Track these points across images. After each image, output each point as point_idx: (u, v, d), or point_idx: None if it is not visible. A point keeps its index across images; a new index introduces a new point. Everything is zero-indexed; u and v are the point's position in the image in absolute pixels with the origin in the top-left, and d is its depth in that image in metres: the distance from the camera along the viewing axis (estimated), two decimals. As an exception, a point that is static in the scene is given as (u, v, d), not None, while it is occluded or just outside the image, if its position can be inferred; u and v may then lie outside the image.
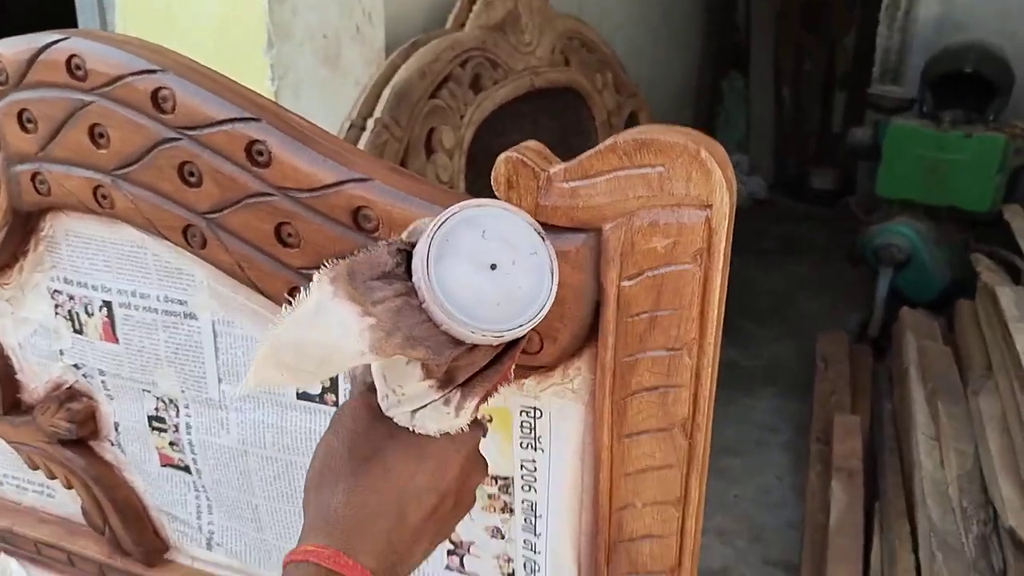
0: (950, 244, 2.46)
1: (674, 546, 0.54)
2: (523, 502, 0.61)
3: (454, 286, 0.39)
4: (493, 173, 0.51)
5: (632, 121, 2.60)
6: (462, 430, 0.44)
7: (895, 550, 1.56)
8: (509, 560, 0.63)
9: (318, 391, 0.64)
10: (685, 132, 0.46)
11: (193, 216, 0.61)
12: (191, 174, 0.59)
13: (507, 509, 0.61)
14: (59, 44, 0.61)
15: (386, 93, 1.40)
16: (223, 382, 0.68)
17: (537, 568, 0.61)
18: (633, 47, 2.86)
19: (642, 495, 0.54)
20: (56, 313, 0.73)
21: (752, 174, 4.58)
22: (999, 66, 2.45)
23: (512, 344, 0.43)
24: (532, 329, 0.43)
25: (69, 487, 0.79)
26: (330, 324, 0.38)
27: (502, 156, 0.50)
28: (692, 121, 4.64)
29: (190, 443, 0.72)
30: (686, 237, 0.47)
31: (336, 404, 0.64)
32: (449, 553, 0.65)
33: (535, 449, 0.59)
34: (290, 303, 0.59)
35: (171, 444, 0.73)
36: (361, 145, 1.32)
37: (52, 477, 0.79)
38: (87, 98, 0.61)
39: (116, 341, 0.71)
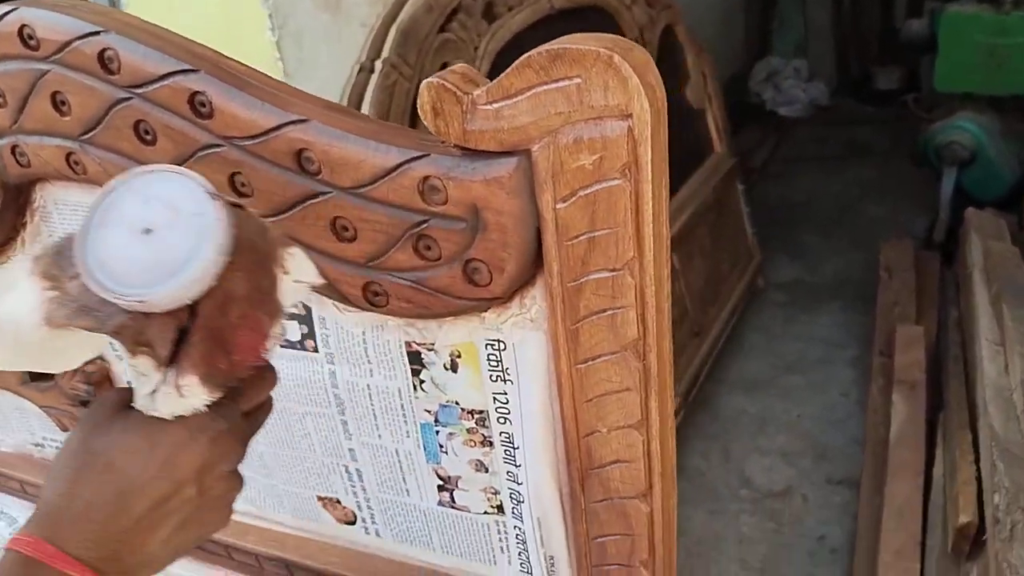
0: (1017, 136, 2.28)
1: (642, 469, 0.53)
2: (501, 435, 0.61)
3: (106, 253, 0.39)
4: (418, 102, 0.49)
5: (668, 36, 2.49)
6: (198, 412, 0.43)
7: (956, 461, 1.51)
8: (496, 492, 0.64)
9: (298, 338, 0.65)
10: (599, 38, 0.44)
11: (154, 174, 0.61)
12: (146, 132, 0.60)
13: (487, 442, 0.62)
14: (8, 16, 0.62)
15: (392, 32, 1.38)
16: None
17: (521, 498, 0.62)
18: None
19: (606, 420, 0.53)
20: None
21: (812, 79, 4.35)
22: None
23: (194, 312, 0.41)
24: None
25: None
26: (16, 299, 0.39)
27: (424, 82, 0.48)
28: (744, 29, 4.43)
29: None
30: (611, 151, 0.45)
31: (315, 349, 0.65)
32: (440, 489, 0.66)
33: (504, 381, 0.58)
34: None
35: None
36: (371, 88, 1.31)
37: (81, 433, 0.84)
38: (43, 67, 0.62)
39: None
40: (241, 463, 0.47)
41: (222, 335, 0.41)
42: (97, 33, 0.58)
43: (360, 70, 1.34)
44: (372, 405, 0.65)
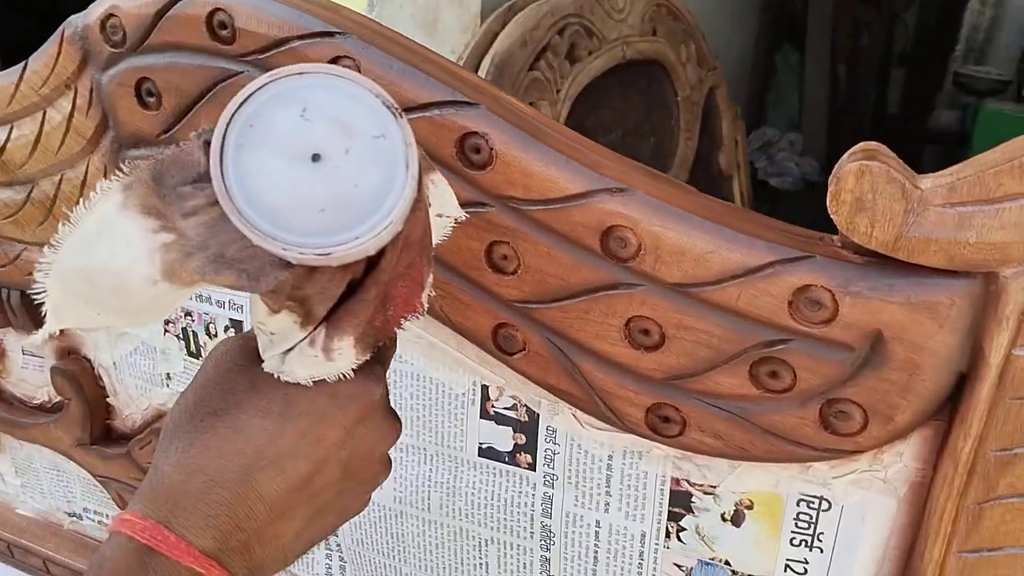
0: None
1: None
2: (779, 608, 0.47)
3: (260, 187, 0.28)
4: (833, 189, 0.36)
5: (711, 97, 2.43)
6: (343, 378, 0.34)
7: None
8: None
9: (508, 448, 0.51)
10: None
11: (370, 226, 0.47)
12: (373, 172, 0.45)
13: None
14: (198, -6, 0.47)
15: (486, 63, 1.25)
16: (381, 428, 0.55)
17: None
18: (701, 17, 2.68)
19: (985, 628, 0.40)
20: (166, 331, 0.60)
21: (805, 154, 4.39)
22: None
23: (376, 261, 0.31)
24: (420, 247, 0.32)
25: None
26: (116, 245, 0.28)
27: (850, 166, 0.36)
28: (746, 98, 4.45)
29: (330, 495, 0.59)
30: None
31: (532, 466, 0.51)
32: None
33: (810, 548, 0.45)
34: (500, 349, 0.47)
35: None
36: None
37: (151, 519, 0.67)
38: (234, 67, 0.47)
39: (245, 370, 0.58)
40: (395, 443, 0.38)
41: (389, 288, 0.32)
42: (330, 35, 0.44)
43: (450, 101, 1.20)
44: (596, 546, 0.51)
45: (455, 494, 0.54)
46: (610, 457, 0.48)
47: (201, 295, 0.57)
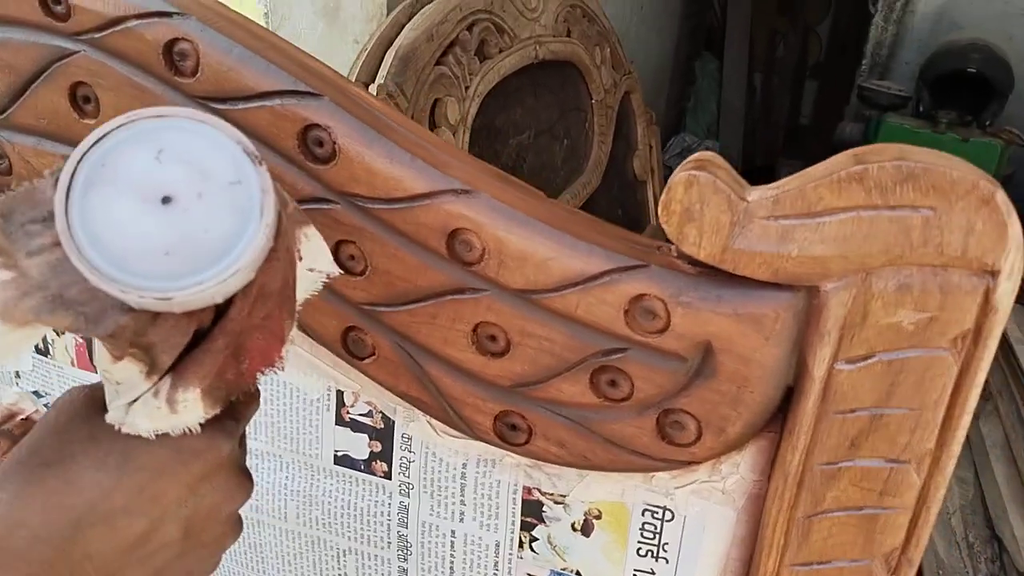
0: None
1: None
2: (627, 617, 0.47)
3: (105, 227, 0.28)
4: (664, 198, 0.36)
5: (626, 101, 2.46)
6: (188, 432, 0.32)
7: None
8: None
9: (364, 456, 0.50)
10: (965, 164, 0.33)
11: (213, 220, 0.45)
12: (215, 164, 0.43)
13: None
14: (31, -33, 0.43)
15: (390, 55, 1.22)
16: (232, 431, 0.52)
17: None
18: (618, 22, 2.71)
19: (813, 637, 0.41)
20: (7, 324, 0.56)
21: (722, 162, 4.50)
22: (1002, 68, 2.39)
23: (224, 311, 0.31)
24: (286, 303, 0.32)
25: None
26: None
27: (680, 176, 0.36)
28: (665, 104, 4.53)
29: (180, 501, 0.56)
30: (949, 312, 0.34)
31: (387, 475, 0.49)
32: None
33: (656, 558, 0.45)
34: (350, 353, 0.45)
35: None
36: (360, 115, 1.15)
37: None
38: (69, 45, 0.44)
39: (94, 370, 0.54)
40: (244, 504, 0.36)
41: (241, 339, 0.31)
42: (168, 15, 0.42)
43: (349, 92, 1.17)
44: (452, 556, 0.50)
45: (312, 503, 0.52)
46: (464, 466, 0.47)
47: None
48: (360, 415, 0.49)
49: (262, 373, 0.33)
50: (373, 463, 0.49)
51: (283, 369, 0.33)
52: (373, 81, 1.23)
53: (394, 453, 0.49)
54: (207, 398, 0.31)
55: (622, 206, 2.38)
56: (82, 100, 0.45)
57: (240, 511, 0.36)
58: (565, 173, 1.96)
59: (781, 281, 0.36)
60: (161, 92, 0.43)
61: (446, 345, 0.42)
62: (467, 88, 1.45)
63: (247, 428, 0.37)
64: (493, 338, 0.41)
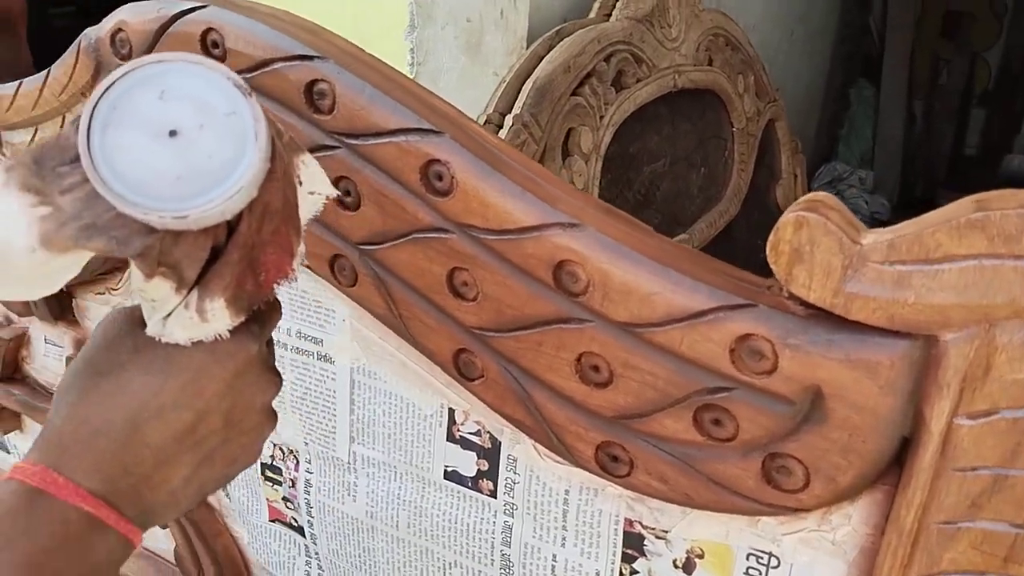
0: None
1: None
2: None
3: (124, 160, 0.32)
4: (772, 238, 0.36)
5: (769, 130, 2.39)
6: (220, 338, 0.36)
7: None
8: None
9: (471, 474, 0.51)
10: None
11: (344, 245, 0.48)
12: (347, 193, 0.47)
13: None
14: (193, 15, 0.49)
15: (527, 87, 1.26)
16: (355, 442, 0.56)
17: None
18: (767, 48, 2.65)
19: None
20: (166, 331, 0.62)
21: (875, 192, 4.27)
22: None
23: (235, 227, 0.34)
24: (295, 221, 0.36)
25: (164, 526, 0.68)
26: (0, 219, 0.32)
27: (789, 216, 0.35)
28: (815, 132, 4.36)
29: (307, 503, 0.60)
30: (1086, 372, 0.31)
31: (493, 494, 0.51)
32: None
33: (760, 601, 0.44)
34: (461, 373, 0.47)
35: (284, 500, 0.62)
36: (496, 143, 1.19)
37: (144, 512, 0.69)
38: (227, 86, 0.49)
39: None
40: (275, 398, 0.40)
41: (254, 253, 0.35)
42: (310, 58, 0.46)
43: (486, 122, 1.22)
44: (552, 580, 0.50)
45: (422, 514, 0.54)
46: (567, 492, 0.48)
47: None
48: (470, 433, 0.51)
49: (278, 284, 0.37)
50: (480, 481, 0.51)
51: (296, 280, 0.38)
52: (510, 111, 1.27)
53: (500, 473, 0.50)
54: (231, 307, 0.35)
55: (762, 236, 2.31)
56: (344, 192, 0.49)
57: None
58: (701, 201, 1.93)
59: (897, 328, 0.34)
60: (301, 127, 0.47)
61: (550, 372, 0.43)
62: (601, 117, 1.47)
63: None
64: (596, 368, 0.42)
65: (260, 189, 0.33)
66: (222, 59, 0.48)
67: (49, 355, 0.73)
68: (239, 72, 0.47)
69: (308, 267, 0.51)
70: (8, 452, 0.84)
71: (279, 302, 0.40)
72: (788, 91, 3.16)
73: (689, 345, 0.39)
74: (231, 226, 0.34)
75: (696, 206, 1.86)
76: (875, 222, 4.06)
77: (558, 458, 0.47)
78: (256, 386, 0.38)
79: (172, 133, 0.32)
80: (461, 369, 0.47)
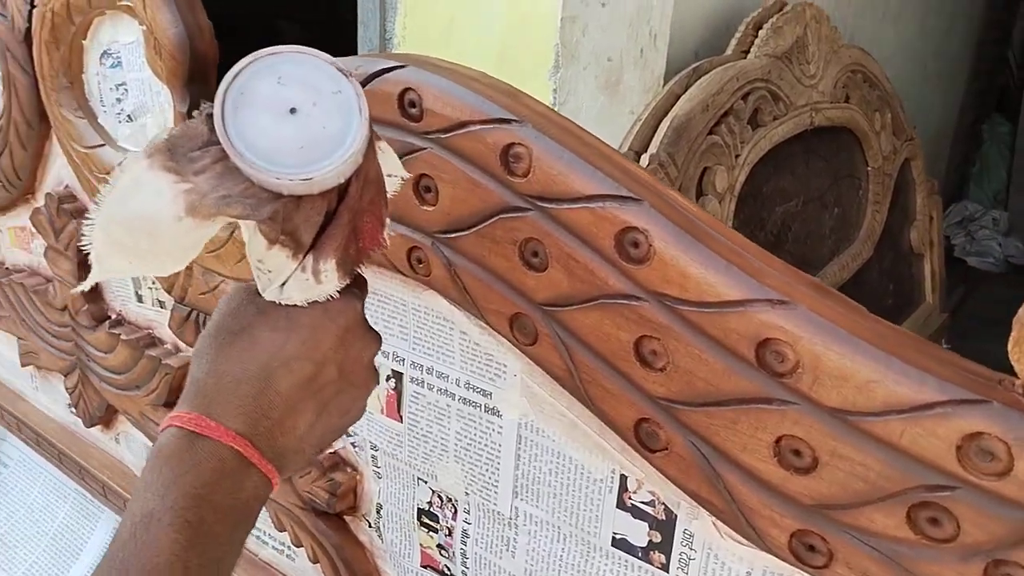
0: None
1: None
2: None
3: (254, 136, 0.37)
4: (1015, 333, 0.33)
5: (905, 169, 2.29)
6: (331, 298, 0.41)
7: None
8: None
9: (642, 544, 0.50)
10: None
11: (527, 305, 0.48)
12: (535, 254, 0.47)
13: None
14: (393, 74, 0.50)
15: (664, 126, 1.25)
16: (518, 497, 0.55)
17: None
18: (899, 82, 2.54)
19: None
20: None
21: (1010, 234, 4.01)
22: None
23: (343, 195, 0.39)
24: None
25: (315, 561, 0.70)
26: (147, 195, 0.37)
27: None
28: (945, 169, 4.15)
29: (463, 553, 0.60)
30: None
31: (665, 567, 0.49)
32: None
33: None
34: (641, 443, 0.46)
35: (439, 547, 0.62)
36: (632, 183, 1.18)
37: (298, 544, 0.71)
38: (419, 143, 0.50)
39: (400, 419, 0.61)
40: (376, 355, 0.45)
41: (357, 219, 0.41)
42: (507, 121, 0.46)
43: (622, 160, 1.21)
44: (724, 663, 0.48)
45: (582, 577, 0.53)
46: (748, 574, 0.46)
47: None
48: (642, 502, 0.49)
49: (373, 251, 0.42)
50: (651, 553, 0.50)
51: (387, 247, 0.44)
52: (645, 150, 1.26)
53: (674, 547, 0.49)
54: (340, 269, 0.41)
55: (894, 280, 2.21)
56: (423, 189, 0.51)
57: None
58: (833, 243, 1.86)
59: None
60: (494, 188, 0.47)
61: (744, 452, 0.42)
62: (737, 156, 1.44)
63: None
64: (798, 452, 0.40)
65: (363, 158, 0.39)
66: (419, 119, 0.49)
67: (214, 383, 0.76)
68: (435, 132, 0.48)
69: (487, 322, 0.51)
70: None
71: (365, 278, 0.45)
72: (919, 127, 3.02)
73: (910, 439, 0.36)
74: (340, 194, 0.39)
75: (828, 248, 1.79)
76: (1010, 266, 3.82)
77: (742, 539, 0.45)
78: (363, 341, 0.43)
79: (292, 111, 0.38)
80: (642, 438, 0.46)
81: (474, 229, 0.49)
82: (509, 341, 0.51)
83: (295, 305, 0.41)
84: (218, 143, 0.37)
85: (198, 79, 0.66)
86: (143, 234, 0.38)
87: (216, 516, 0.37)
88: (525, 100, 0.48)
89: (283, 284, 0.40)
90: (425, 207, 0.51)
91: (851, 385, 0.38)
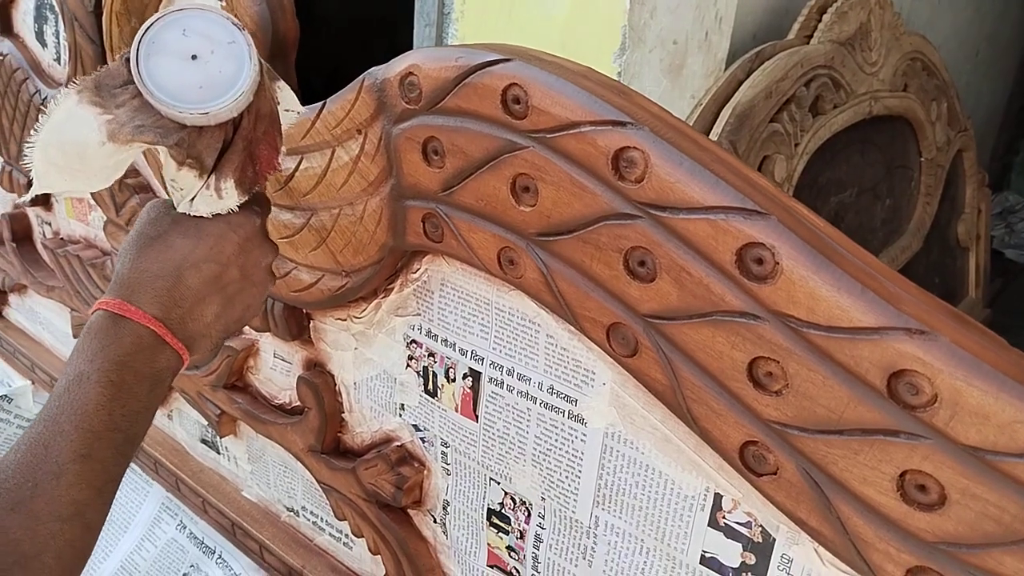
0: None
1: None
2: None
3: (162, 77, 0.45)
4: None
5: (957, 160, 2.23)
6: (232, 212, 0.49)
7: None
8: None
9: (734, 565, 0.48)
10: None
11: (629, 315, 0.46)
12: (642, 264, 0.45)
13: None
14: (497, 67, 0.48)
15: (726, 112, 1.22)
16: (599, 506, 0.54)
17: None
18: (951, 69, 2.47)
19: None
20: (408, 365, 0.63)
21: (1052, 227, 3.92)
22: None
23: (238, 126, 0.47)
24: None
25: (375, 553, 0.69)
26: (77, 124, 0.44)
27: None
28: (989, 159, 4.04)
29: (535, 558, 0.59)
30: None
31: (759, 589, 0.48)
32: None
33: None
34: (747, 466, 0.44)
35: (509, 548, 0.61)
36: (691, 170, 1.15)
37: (359, 535, 0.70)
38: (520, 141, 0.48)
39: (475, 419, 0.59)
40: (274, 261, 0.53)
41: (252, 147, 0.48)
42: (621, 124, 0.44)
43: (682, 147, 1.18)
44: None
45: (664, 591, 0.52)
46: (848, 601, 0.44)
47: (446, 340, 0.59)
48: (737, 523, 0.48)
49: (269, 174, 0.50)
50: (743, 574, 0.48)
51: (282, 170, 0.55)
52: (706, 136, 1.23)
53: (769, 570, 0.47)
54: (239, 188, 0.48)
55: (940, 274, 2.16)
56: (521, 189, 0.49)
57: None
58: (883, 235, 1.82)
59: None
60: (601, 192, 0.45)
61: (864, 484, 0.40)
62: (796, 145, 1.40)
63: None
64: (923, 488, 0.38)
65: (255, 96, 0.47)
66: (523, 116, 0.47)
67: (276, 369, 0.75)
68: (541, 131, 0.46)
69: (581, 329, 0.49)
70: (219, 453, 0.88)
71: (268, 197, 0.53)
72: (968, 114, 2.94)
73: (1059, 486, 0.34)
74: (235, 125, 0.47)
75: (878, 239, 1.75)
76: (1052, 269, 3.63)
77: (845, 567, 0.43)
78: (261, 249, 0.51)
79: (193, 57, 0.45)
80: (748, 461, 0.44)
81: (576, 234, 0.47)
82: (604, 351, 0.49)
83: (203, 217, 0.49)
84: (134, 83, 0.44)
85: (278, 56, 0.64)
86: (74, 156, 0.45)
87: (135, 378, 0.45)
88: (639, 100, 0.46)
89: (192, 199, 0.48)
90: (522, 207, 0.49)
91: (992, 424, 0.35)
